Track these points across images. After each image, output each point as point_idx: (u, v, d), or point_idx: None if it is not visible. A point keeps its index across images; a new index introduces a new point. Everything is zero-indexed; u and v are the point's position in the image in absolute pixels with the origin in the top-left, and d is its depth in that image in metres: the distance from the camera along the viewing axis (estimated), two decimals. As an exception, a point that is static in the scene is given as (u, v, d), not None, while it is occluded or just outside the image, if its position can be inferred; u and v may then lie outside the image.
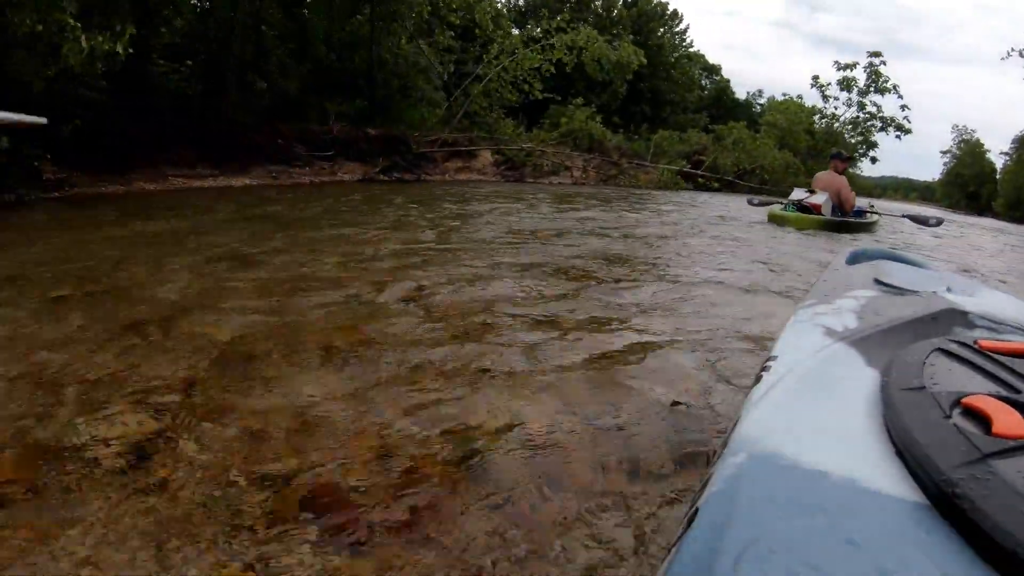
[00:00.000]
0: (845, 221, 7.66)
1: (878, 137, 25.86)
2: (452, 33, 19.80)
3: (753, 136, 23.87)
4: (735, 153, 22.25)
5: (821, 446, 0.61)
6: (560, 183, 18.15)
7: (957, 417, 0.60)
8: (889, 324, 0.93)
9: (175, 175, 10.20)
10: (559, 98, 21.10)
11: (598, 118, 21.33)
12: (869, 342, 0.86)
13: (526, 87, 20.01)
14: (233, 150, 11.73)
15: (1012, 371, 0.71)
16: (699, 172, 21.00)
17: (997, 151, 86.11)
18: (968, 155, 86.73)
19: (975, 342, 0.80)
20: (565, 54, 19.93)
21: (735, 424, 0.71)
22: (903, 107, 25.21)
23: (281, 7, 15.47)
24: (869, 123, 25.92)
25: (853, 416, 0.66)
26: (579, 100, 20.57)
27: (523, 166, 18.68)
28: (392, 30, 17.33)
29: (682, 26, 45.37)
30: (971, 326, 0.98)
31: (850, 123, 26.37)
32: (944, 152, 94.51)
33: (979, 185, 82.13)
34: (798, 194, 8.02)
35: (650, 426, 1.75)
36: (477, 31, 19.43)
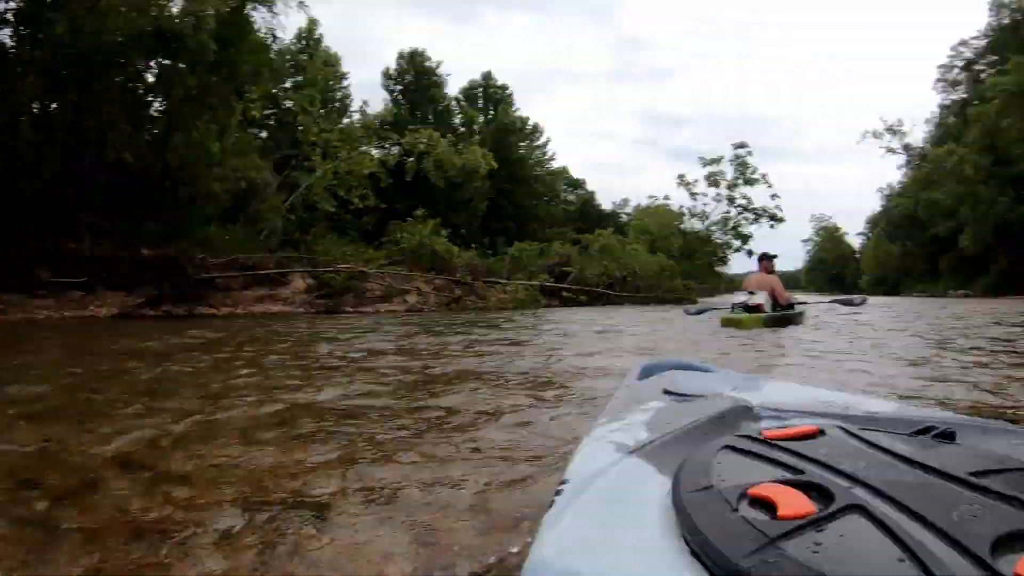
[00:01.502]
0: (784, 314, 8.27)
1: (752, 229, 24.40)
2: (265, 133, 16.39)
3: (622, 242, 21.56)
4: (603, 261, 19.64)
5: (617, 561, 0.62)
6: (389, 311, 14.43)
7: (744, 508, 0.62)
8: (679, 431, 0.94)
9: None
10: (400, 211, 17.83)
11: (443, 232, 18.18)
12: (660, 451, 0.87)
13: (355, 197, 16.64)
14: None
15: (795, 454, 0.73)
16: (562, 285, 18.01)
17: (854, 233, 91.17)
18: (828, 240, 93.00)
19: (759, 433, 0.83)
20: (403, 157, 17.05)
21: (531, 549, 0.68)
22: (773, 196, 24.00)
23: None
24: (740, 216, 24.41)
25: (647, 526, 0.66)
26: (421, 212, 17.28)
27: (345, 292, 14.85)
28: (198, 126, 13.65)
29: (543, 139, 44.96)
30: (757, 419, 1.02)
31: (720, 219, 24.76)
32: (805, 240, 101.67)
33: (841, 267, 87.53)
34: (739, 297, 8.54)
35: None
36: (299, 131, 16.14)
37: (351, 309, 14.38)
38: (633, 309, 16.00)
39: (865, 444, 0.77)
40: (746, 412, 1.03)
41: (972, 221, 40.33)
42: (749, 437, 0.81)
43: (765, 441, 0.79)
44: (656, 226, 24.76)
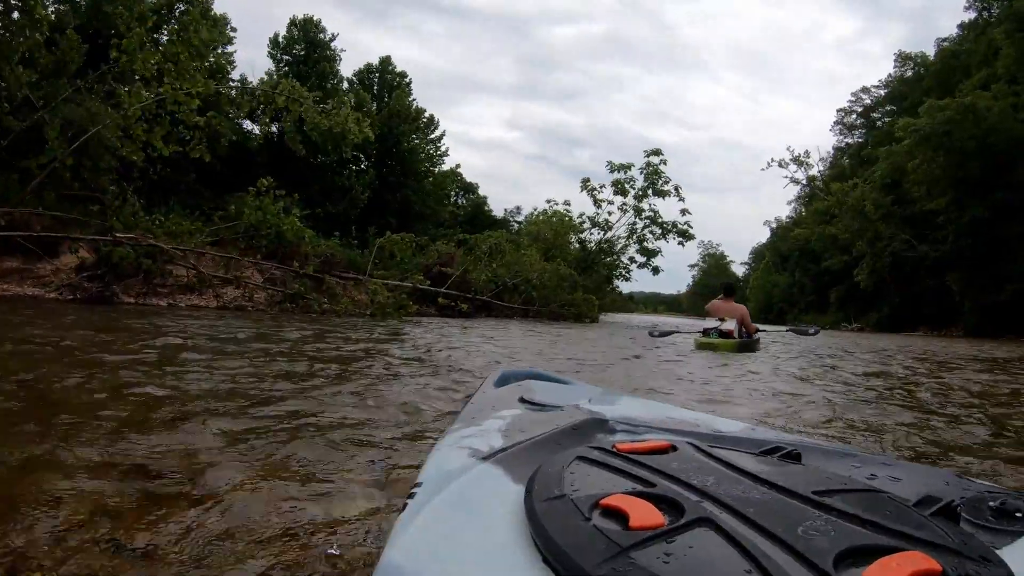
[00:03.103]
0: (749, 340, 8.68)
1: (659, 244, 21.83)
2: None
3: (515, 244, 18.50)
4: (493, 266, 16.45)
5: (469, 567, 0.61)
6: (193, 305, 10.50)
7: (597, 518, 0.62)
8: (533, 439, 0.94)
9: None
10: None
11: (296, 211, 14.28)
12: (513, 459, 0.86)
13: (192, 150, 12.56)
14: None
15: (647, 467, 0.74)
16: (441, 290, 14.62)
17: (739, 262, 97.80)
18: (714, 267, 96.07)
19: (613, 446, 0.83)
20: (252, 102, 13.22)
21: (381, 554, 0.67)
22: (684, 211, 21.52)
23: None
24: (647, 229, 21.83)
25: (500, 533, 0.66)
26: (266, 181, 13.24)
27: (137, 274, 10.75)
28: None
29: (437, 132, 41.37)
30: (611, 432, 1.03)
31: (625, 232, 22.11)
32: (692, 266, 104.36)
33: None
34: (711, 323, 8.80)
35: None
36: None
37: (133, 299, 10.29)
38: (527, 326, 12.89)
39: (715, 461, 0.78)
40: (600, 425, 1.06)
41: (870, 256, 40.90)
42: (603, 449, 0.82)
43: (618, 454, 0.80)
44: (552, 233, 21.82)
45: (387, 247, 14.27)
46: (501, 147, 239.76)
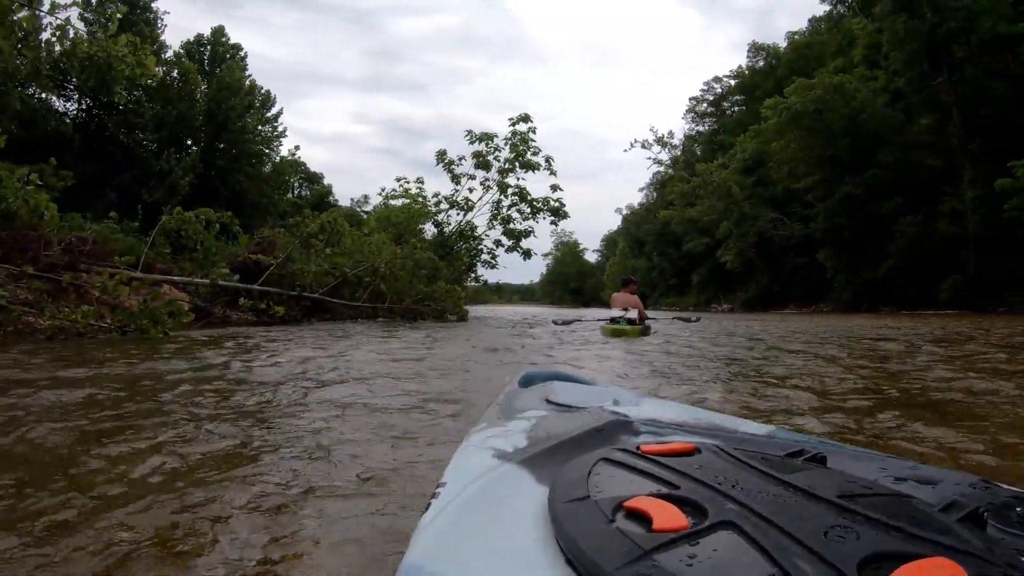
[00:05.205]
0: (646, 327, 9.57)
1: (530, 224, 18.75)
2: None
3: (358, 230, 15.02)
4: (327, 251, 12.86)
5: (491, 567, 0.61)
6: None
7: (620, 520, 0.62)
8: (558, 441, 0.94)
9: None
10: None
11: (55, 183, 9.94)
12: (538, 460, 0.86)
13: None
14: None
15: (671, 469, 0.73)
16: (254, 287, 10.84)
17: (592, 249, 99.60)
18: (568, 255, 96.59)
19: (637, 447, 0.83)
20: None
21: (406, 551, 0.67)
22: (555, 187, 18.65)
23: None
24: (514, 208, 18.78)
25: (523, 533, 0.66)
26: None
27: None
28: None
29: (275, 111, 36.31)
30: (636, 433, 1.01)
31: (490, 212, 18.97)
32: (546, 255, 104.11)
33: (582, 281, 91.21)
34: (616, 312, 9.64)
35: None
36: None
37: None
38: (376, 331, 9.61)
39: (739, 463, 0.77)
40: (625, 426, 1.03)
41: (736, 237, 41.10)
42: (627, 450, 0.82)
43: (642, 455, 0.79)
44: (405, 218, 18.47)
45: (174, 226, 10.24)
46: (347, 141, 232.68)
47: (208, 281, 10.31)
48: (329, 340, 7.46)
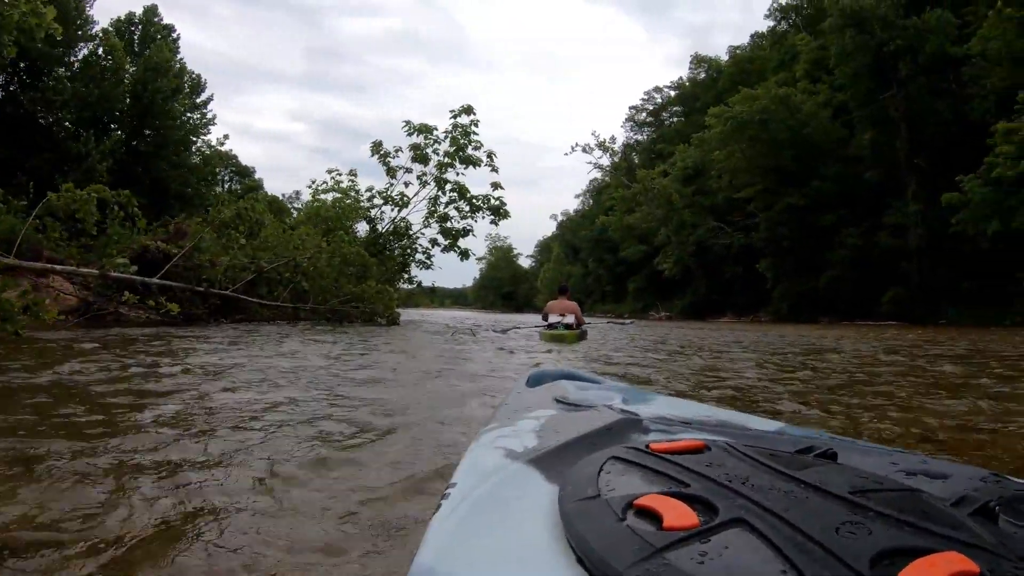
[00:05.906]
0: (583, 331, 10.19)
1: (469, 223, 17.78)
2: None
3: (282, 222, 13.84)
4: (242, 242, 11.69)
5: (502, 567, 0.61)
6: None
7: (631, 519, 0.62)
8: (567, 440, 0.92)
9: None
10: None
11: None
12: (548, 459, 0.85)
13: None
14: None
15: (682, 467, 0.73)
16: (153, 280, 9.61)
17: (526, 255, 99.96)
18: (502, 260, 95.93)
19: (647, 446, 0.83)
20: None
21: (416, 552, 0.67)
22: (496, 185, 17.77)
23: None
24: (452, 205, 17.80)
25: (533, 533, 0.66)
26: None
27: None
28: None
29: (205, 96, 34.31)
30: (645, 431, 1.00)
31: (426, 209, 17.97)
32: (480, 259, 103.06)
33: (515, 285, 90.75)
34: (554, 319, 10.04)
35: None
36: None
37: None
38: (295, 337, 8.65)
39: (750, 460, 0.77)
40: (634, 424, 1.03)
41: (675, 244, 41.18)
42: (636, 449, 0.82)
43: (652, 453, 0.79)
44: (335, 214, 17.32)
45: (62, 205, 8.94)
46: (283, 139, 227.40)
47: (98, 272, 9.06)
48: (223, 350, 6.45)
